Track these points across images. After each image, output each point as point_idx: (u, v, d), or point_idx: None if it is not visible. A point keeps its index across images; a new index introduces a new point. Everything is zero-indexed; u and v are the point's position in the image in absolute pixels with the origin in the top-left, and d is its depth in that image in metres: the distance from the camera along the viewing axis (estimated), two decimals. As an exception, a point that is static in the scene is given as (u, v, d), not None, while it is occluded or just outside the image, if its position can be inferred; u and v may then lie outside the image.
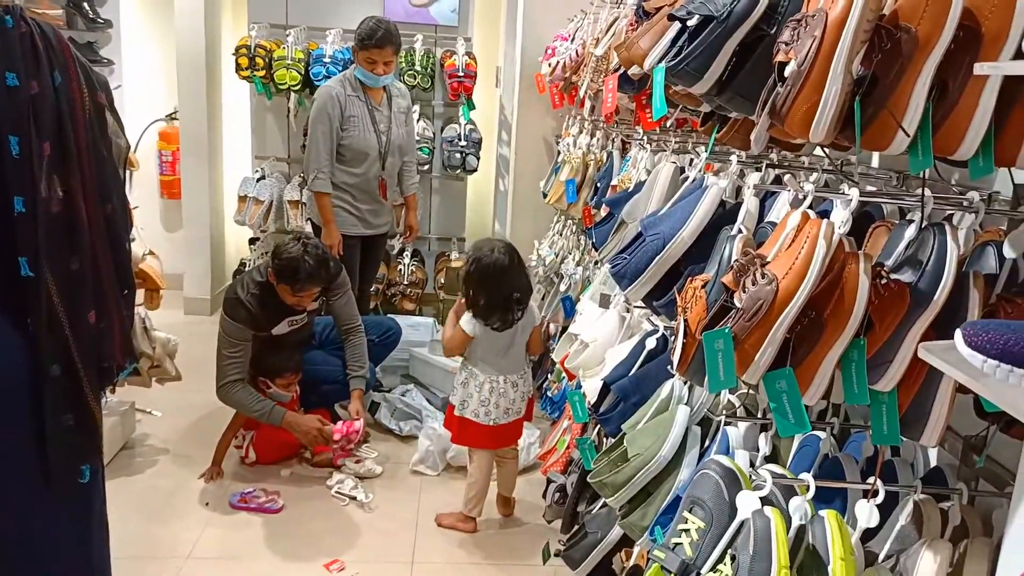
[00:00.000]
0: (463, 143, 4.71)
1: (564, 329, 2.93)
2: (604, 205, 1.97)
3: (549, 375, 3.12)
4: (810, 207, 1.21)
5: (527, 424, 3.30)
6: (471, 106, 4.75)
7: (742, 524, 1.17)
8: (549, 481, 2.51)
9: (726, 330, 1.13)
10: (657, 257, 1.48)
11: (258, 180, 4.85)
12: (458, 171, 4.80)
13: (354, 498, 2.96)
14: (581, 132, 3.02)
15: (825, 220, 1.14)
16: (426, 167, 4.84)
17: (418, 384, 3.82)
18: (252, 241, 5.10)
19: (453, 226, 5.26)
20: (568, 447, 2.62)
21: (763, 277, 1.12)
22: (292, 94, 4.64)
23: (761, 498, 1.19)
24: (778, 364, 1.14)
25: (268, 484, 3.02)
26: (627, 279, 1.52)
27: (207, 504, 2.89)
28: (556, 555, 2.15)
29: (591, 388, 2.07)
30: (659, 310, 1.52)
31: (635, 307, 2.00)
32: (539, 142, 3.87)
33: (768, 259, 1.16)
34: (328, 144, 3.57)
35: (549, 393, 2.95)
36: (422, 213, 5.11)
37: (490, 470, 2.80)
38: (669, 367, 1.67)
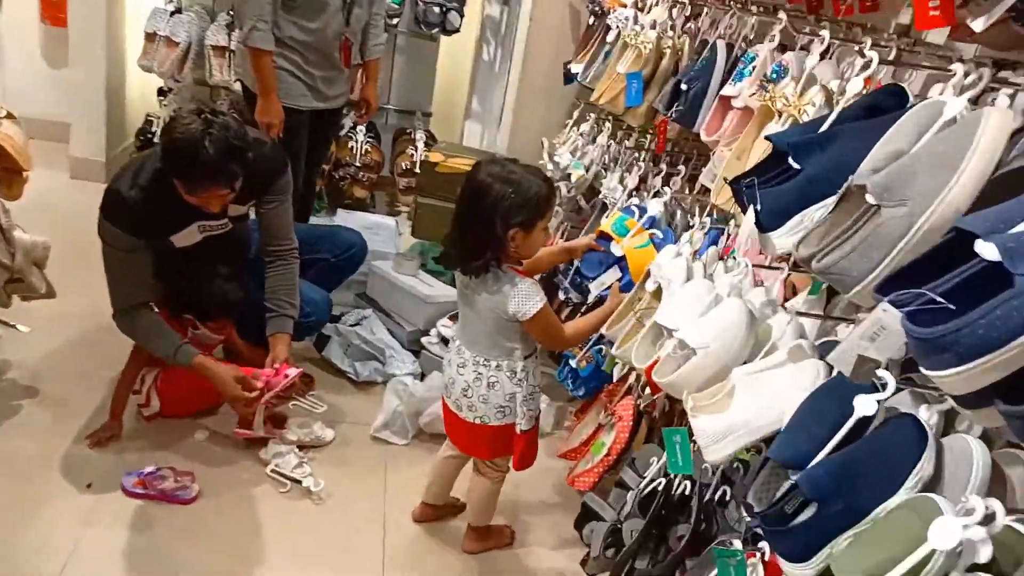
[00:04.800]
0: (444, -6, 3.71)
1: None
2: (784, 146, 1.15)
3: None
4: None
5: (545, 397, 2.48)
6: (458, -54, 3.72)
7: None
8: (586, 511, 1.79)
9: None
10: (1052, 326, 0.70)
11: (172, 14, 3.75)
12: (435, 30, 3.81)
13: (299, 482, 2.20)
14: (654, 4, 2.11)
15: None
16: (394, 21, 3.82)
17: (378, 309, 2.99)
18: (162, 92, 4.04)
19: (418, 98, 4.32)
20: (610, 454, 1.91)
21: None
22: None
23: None
24: None
25: (178, 457, 2.21)
26: (961, 357, 0.74)
27: (89, 486, 2.06)
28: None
29: (706, 430, 1.32)
30: (1012, 418, 0.76)
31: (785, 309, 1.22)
32: (562, 6, 2.92)
33: None
34: (273, -18, 2.56)
35: (572, 362, 2.19)
36: (381, 78, 4.12)
37: (443, 457, 2.08)
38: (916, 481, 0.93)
